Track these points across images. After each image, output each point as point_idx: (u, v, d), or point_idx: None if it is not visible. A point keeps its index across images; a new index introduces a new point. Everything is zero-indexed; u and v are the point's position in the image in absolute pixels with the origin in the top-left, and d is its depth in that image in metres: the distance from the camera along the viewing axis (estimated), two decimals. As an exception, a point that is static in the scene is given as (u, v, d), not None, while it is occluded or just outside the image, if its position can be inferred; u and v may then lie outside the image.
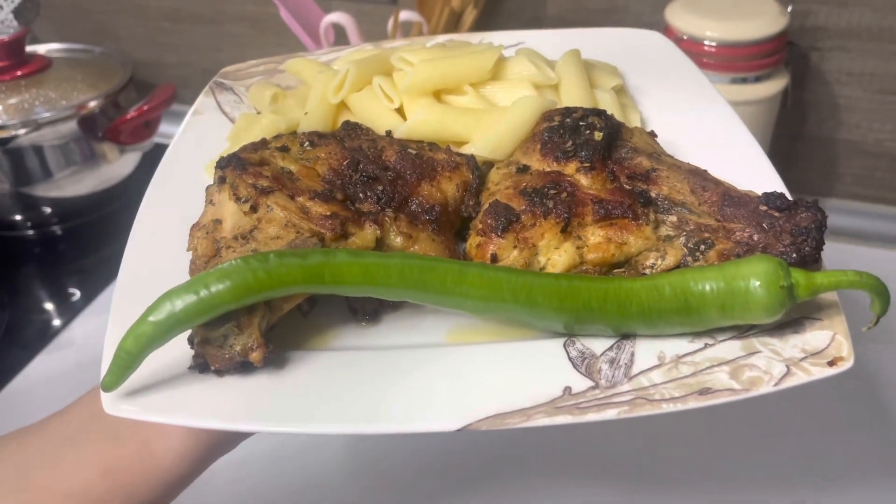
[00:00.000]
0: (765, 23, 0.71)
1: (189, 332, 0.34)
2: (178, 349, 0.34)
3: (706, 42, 0.73)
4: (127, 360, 0.32)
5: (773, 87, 0.75)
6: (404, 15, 0.80)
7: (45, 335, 0.77)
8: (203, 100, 0.54)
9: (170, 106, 0.89)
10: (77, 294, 0.83)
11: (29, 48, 0.91)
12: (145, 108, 0.87)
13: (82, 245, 0.91)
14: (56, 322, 0.79)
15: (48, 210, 0.91)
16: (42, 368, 0.73)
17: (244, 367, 0.34)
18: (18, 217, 0.91)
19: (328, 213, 0.38)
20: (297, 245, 0.36)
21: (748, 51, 0.72)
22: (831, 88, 0.82)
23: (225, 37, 1.07)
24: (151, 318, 0.32)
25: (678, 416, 0.34)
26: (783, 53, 0.75)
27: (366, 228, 0.38)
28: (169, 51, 1.12)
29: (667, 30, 0.75)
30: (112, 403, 0.33)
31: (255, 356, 0.33)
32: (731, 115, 0.49)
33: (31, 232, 0.93)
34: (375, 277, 0.34)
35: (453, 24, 0.83)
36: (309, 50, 0.82)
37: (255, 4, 1.02)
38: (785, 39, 0.74)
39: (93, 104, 0.86)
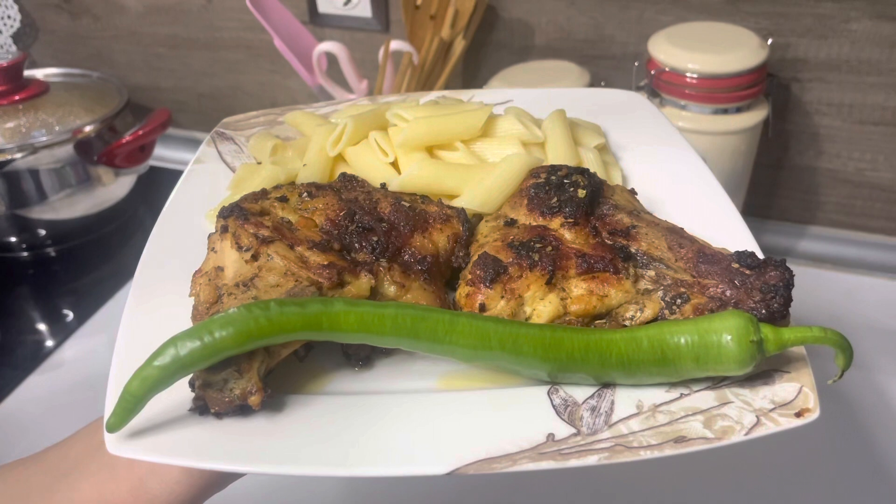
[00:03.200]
0: (745, 55, 0.74)
1: (190, 376, 0.36)
2: (179, 392, 0.36)
3: (688, 74, 0.74)
4: (132, 402, 0.33)
5: (754, 117, 0.77)
6: (395, 44, 0.83)
7: (38, 356, 0.78)
8: (205, 149, 0.56)
9: (165, 130, 0.92)
10: (70, 315, 0.84)
11: (27, 73, 0.94)
12: (140, 132, 0.90)
13: (76, 267, 0.92)
14: (49, 343, 0.81)
15: (43, 232, 0.93)
16: (34, 389, 0.74)
17: (243, 409, 0.36)
18: (13, 239, 0.93)
19: (325, 263, 0.40)
20: (295, 293, 0.38)
21: (729, 82, 0.74)
22: (811, 119, 0.84)
23: (220, 63, 1.10)
24: (157, 363, 0.33)
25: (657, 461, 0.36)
26: (763, 85, 0.77)
27: (361, 278, 0.40)
28: (165, 76, 1.15)
29: (650, 62, 0.77)
30: (115, 444, 0.34)
31: (253, 400, 0.35)
32: (708, 173, 0.52)
33: (25, 253, 0.94)
34: (370, 326, 0.36)
35: (443, 54, 0.86)
36: (302, 76, 0.85)
37: (249, 32, 1.05)
38: (765, 71, 0.76)
39: (89, 128, 0.88)
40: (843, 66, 0.80)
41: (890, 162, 0.84)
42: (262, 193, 0.46)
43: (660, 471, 0.64)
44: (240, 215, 0.42)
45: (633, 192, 0.48)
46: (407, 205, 0.46)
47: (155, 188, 1.04)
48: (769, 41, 0.77)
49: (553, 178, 0.46)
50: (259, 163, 0.54)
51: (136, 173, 0.96)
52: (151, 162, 0.96)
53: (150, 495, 0.40)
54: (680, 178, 0.52)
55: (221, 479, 0.41)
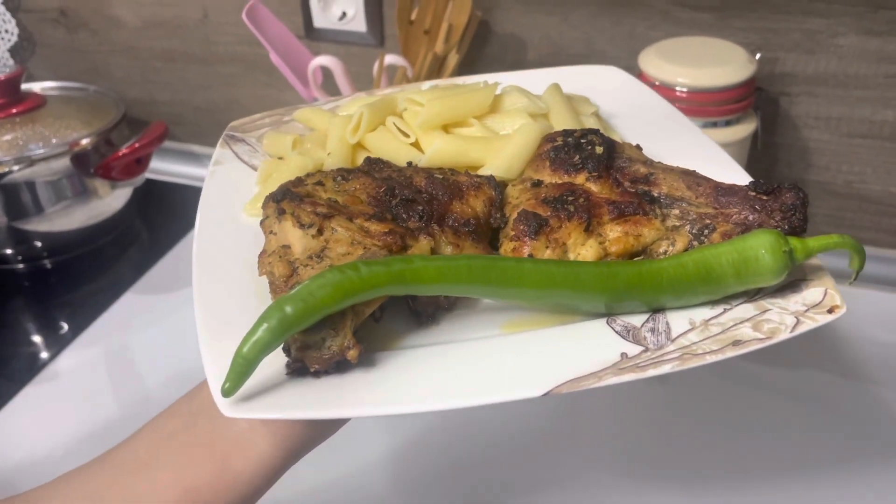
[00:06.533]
0: (734, 70, 0.76)
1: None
2: (270, 360, 0.38)
3: (678, 88, 0.77)
4: (245, 365, 0.35)
5: (742, 130, 0.79)
6: (389, 59, 0.85)
7: (33, 367, 0.78)
8: (220, 151, 0.58)
9: (161, 143, 0.92)
10: (65, 327, 0.84)
11: (25, 86, 0.94)
12: (137, 145, 0.90)
13: (71, 279, 0.92)
14: (44, 354, 0.80)
15: (39, 244, 0.93)
16: (30, 400, 0.74)
17: (339, 366, 0.38)
18: (9, 250, 0.92)
19: (386, 230, 0.43)
20: (369, 258, 0.40)
21: (718, 96, 0.76)
22: (800, 132, 0.86)
23: (216, 76, 1.11)
24: (265, 326, 0.35)
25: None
26: (752, 99, 0.79)
27: (421, 240, 0.43)
28: (161, 89, 1.16)
29: (640, 76, 0.80)
30: (231, 408, 0.36)
31: (351, 354, 0.37)
32: (694, 127, 0.57)
33: (21, 265, 0.94)
34: (448, 276, 0.39)
35: (437, 69, 0.89)
36: (297, 90, 0.87)
37: (245, 46, 1.06)
38: (754, 85, 0.78)
39: (86, 141, 0.89)
40: (830, 81, 0.82)
41: (878, 174, 0.86)
42: (299, 181, 0.48)
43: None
44: (293, 197, 0.45)
45: (639, 147, 0.53)
46: (440, 177, 0.49)
47: (151, 201, 1.05)
48: (758, 56, 0.79)
49: (570, 139, 0.50)
50: (280, 158, 0.57)
51: (133, 186, 0.97)
52: (148, 175, 0.97)
53: (235, 472, 0.41)
54: (671, 134, 0.57)
55: (302, 446, 0.43)
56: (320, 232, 0.42)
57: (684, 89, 0.77)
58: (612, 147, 0.50)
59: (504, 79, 0.66)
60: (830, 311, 0.40)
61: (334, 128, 0.55)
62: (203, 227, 0.50)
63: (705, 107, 0.77)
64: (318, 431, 0.43)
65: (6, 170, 0.85)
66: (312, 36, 1.01)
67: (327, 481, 0.65)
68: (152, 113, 1.18)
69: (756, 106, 0.81)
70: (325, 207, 0.44)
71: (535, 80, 0.63)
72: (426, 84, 0.65)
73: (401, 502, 0.64)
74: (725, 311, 0.42)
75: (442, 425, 0.70)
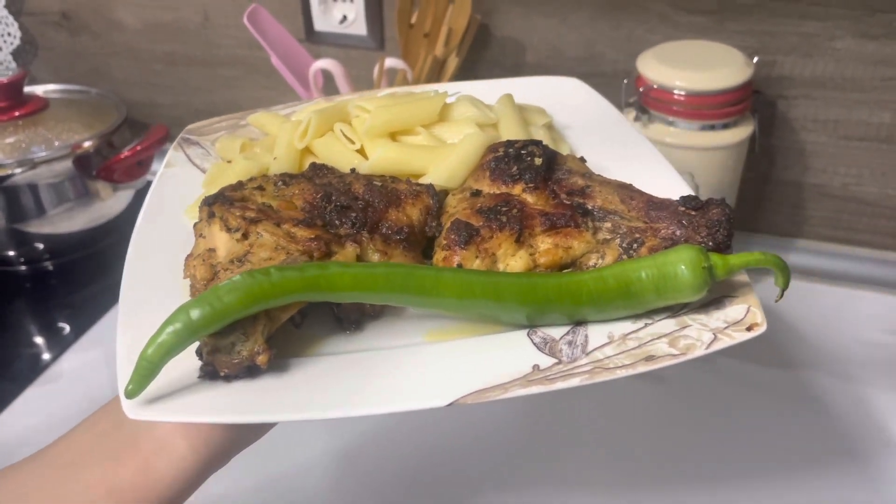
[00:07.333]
0: (732, 73, 0.76)
1: (196, 345, 0.38)
2: (186, 362, 0.38)
3: (676, 91, 0.77)
4: (148, 368, 0.35)
5: (740, 133, 0.79)
6: (390, 62, 0.86)
7: (35, 369, 0.79)
8: (173, 154, 0.58)
9: (163, 146, 0.93)
10: (67, 328, 0.85)
11: (27, 89, 0.95)
12: (139, 147, 0.91)
13: (73, 280, 0.93)
14: (46, 356, 0.81)
15: (41, 246, 0.94)
16: (32, 401, 0.75)
17: (250, 371, 0.38)
18: (11, 252, 0.93)
19: (312, 236, 0.43)
20: (289, 263, 0.41)
21: (716, 99, 0.76)
22: (797, 135, 0.87)
23: (217, 79, 1.12)
24: (170, 329, 0.35)
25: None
26: (750, 101, 0.79)
27: (347, 247, 0.43)
28: (162, 92, 1.17)
29: (638, 79, 0.80)
30: (135, 410, 0.36)
31: (261, 359, 0.38)
32: (643, 140, 0.57)
33: (23, 267, 0.95)
34: (364, 284, 0.39)
35: (437, 72, 0.89)
36: (298, 93, 0.88)
37: (246, 49, 1.07)
38: (751, 88, 0.78)
39: (88, 144, 0.90)
40: (827, 84, 0.83)
41: (874, 177, 0.87)
42: (240, 185, 0.49)
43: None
44: (224, 201, 0.45)
45: (582, 160, 0.53)
46: (379, 184, 0.49)
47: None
48: (755, 59, 0.79)
49: (511, 150, 0.50)
50: (229, 161, 0.57)
51: (134, 188, 0.98)
52: (149, 177, 0.98)
53: (158, 475, 0.41)
54: (620, 145, 0.57)
55: (223, 454, 0.43)
56: (245, 236, 0.43)
57: (682, 92, 0.77)
58: (552, 158, 0.50)
59: (466, 88, 0.66)
60: (750, 328, 0.40)
61: (283, 133, 0.55)
62: (141, 229, 0.50)
63: (703, 110, 0.77)
64: (238, 436, 0.43)
65: (9, 172, 0.86)
66: (313, 39, 1.02)
67: (267, 483, 0.66)
68: (153, 115, 1.19)
69: (754, 109, 0.81)
70: (255, 212, 0.44)
71: (499, 90, 0.63)
72: (382, 91, 0.65)
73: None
74: (647, 325, 0.41)
75: (405, 428, 0.70)
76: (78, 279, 0.94)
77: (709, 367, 0.75)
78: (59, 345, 0.82)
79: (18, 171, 0.86)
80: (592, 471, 0.66)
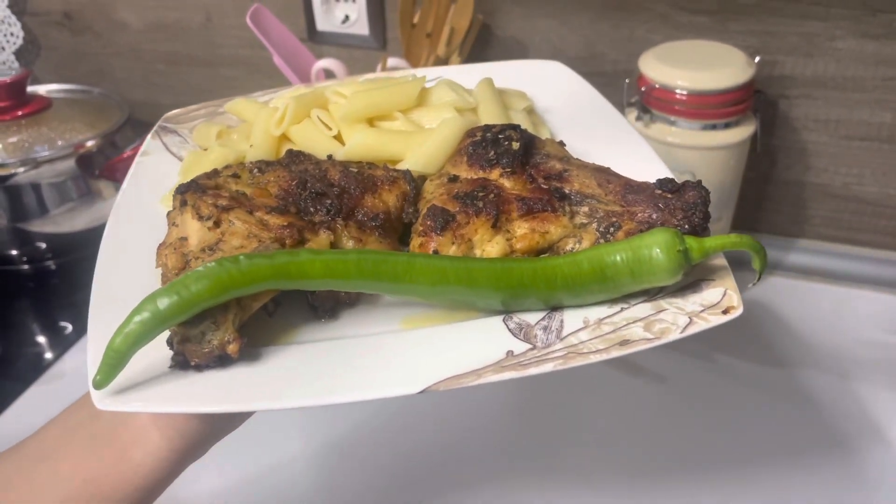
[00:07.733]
0: (733, 73, 0.75)
1: (168, 334, 0.38)
2: (157, 352, 0.38)
3: (678, 91, 0.76)
4: (116, 358, 0.35)
5: (742, 132, 0.78)
6: (392, 61, 0.86)
7: (38, 368, 0.79)
8: (150, 142, 0.58)
9: None
10: (69, 328, 0.86)
11: (30, 88, 0.95)
12: (141, 147, 0.90)
13: (75, 280, 0.92)
14: (48, 355, 0.82)
15: (43, 245, 0.94)
16: (34, 400, 0.75)
17: (221, 360, 0.38)
18: (14, 252, 0.94)
19: (285, 224, 0.42)
20: (261, 251, 0.40)
21: (717, 99, 0.76)
22: (799, 134, 0.87)
23: (219, 79, 1.12)
24: (137, 318, 0.35)
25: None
26: (751, 101, 0.79)
27: (320, 234, 0.43)
28: (165, 92, 1.17)
29: (640, 79, 0.79)
30: (103, 400, 0.36)
31: (231, 348, 0.37)
32: (624, 122, 0.57)
33: (25, 266, 0.95)
34: (335, 271, 0.38)
35: None
36: None
37: (248, 49, 1.07)
38: (752, 88, 0.78)
39: (90, 143, 0.90)
40: (828, 83, 0.83)
41: (875, 176, 0.87)
42: (214, 173, 0.48)
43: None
44: (197, 189, 0.45)
45: (561, 144, 0.52)
46: (355, 171, 0.49)
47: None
48: (756, 59, 0.78)
49: (488, 135, 0.50)
50: (205, 149, 0.56)
51: None
52: None
53: (134, 465, 0.41)
54: (601, 129, 0.57)
55: (200, 445, 0.43)
56: (217, 224, 0.42)
57: (684, 92, 0.76)
58: (530, 143, 0.50)
59: (446, 73, 0.66)
60: (726, 311, 0.40)
61: (259, 119, 0.55)
62: (116, 218, 0.50)
63: (705, 109, 0.77)
64: (214, 426, 0.43)
65: (12, 171, 0.87)
66: (315, 39, 1.02)
67: (254, 477, 0.66)
68: (155, 115, 1.15)
69: (755, 108, 0.81)
70: (227, 200, 0.44)
71: (479, 74, 0.62)
72: (362, 77, 0.64)
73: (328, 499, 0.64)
74: (623, 310, 0.41)
75: (400, 413, 0.70)
76: (80, 279, 0.90)
77: (709, 367, 0.75)
78: (62, 344, 0.83)
79: (21, 170, 0.87)
80: (590, 467, 0.65)
